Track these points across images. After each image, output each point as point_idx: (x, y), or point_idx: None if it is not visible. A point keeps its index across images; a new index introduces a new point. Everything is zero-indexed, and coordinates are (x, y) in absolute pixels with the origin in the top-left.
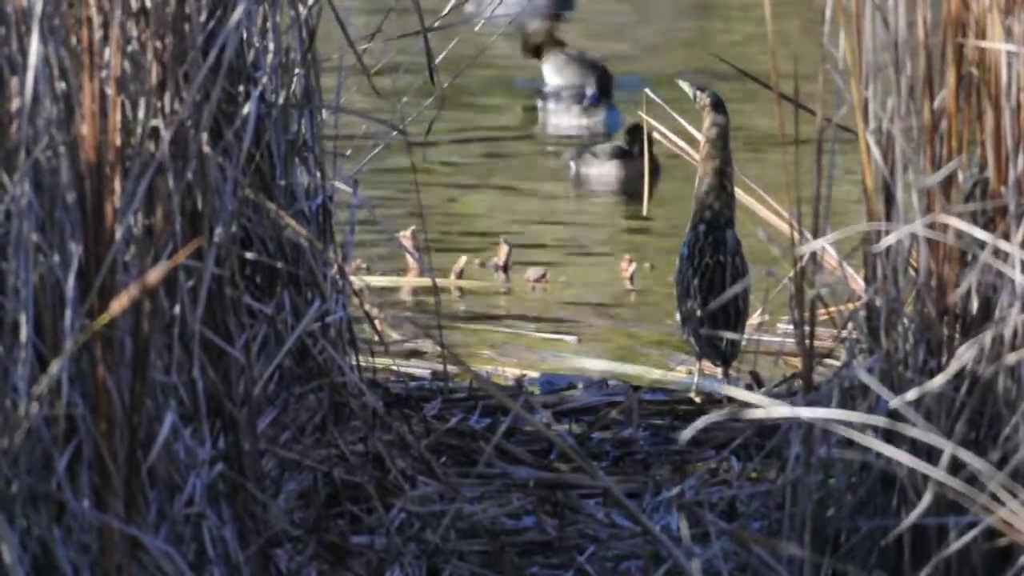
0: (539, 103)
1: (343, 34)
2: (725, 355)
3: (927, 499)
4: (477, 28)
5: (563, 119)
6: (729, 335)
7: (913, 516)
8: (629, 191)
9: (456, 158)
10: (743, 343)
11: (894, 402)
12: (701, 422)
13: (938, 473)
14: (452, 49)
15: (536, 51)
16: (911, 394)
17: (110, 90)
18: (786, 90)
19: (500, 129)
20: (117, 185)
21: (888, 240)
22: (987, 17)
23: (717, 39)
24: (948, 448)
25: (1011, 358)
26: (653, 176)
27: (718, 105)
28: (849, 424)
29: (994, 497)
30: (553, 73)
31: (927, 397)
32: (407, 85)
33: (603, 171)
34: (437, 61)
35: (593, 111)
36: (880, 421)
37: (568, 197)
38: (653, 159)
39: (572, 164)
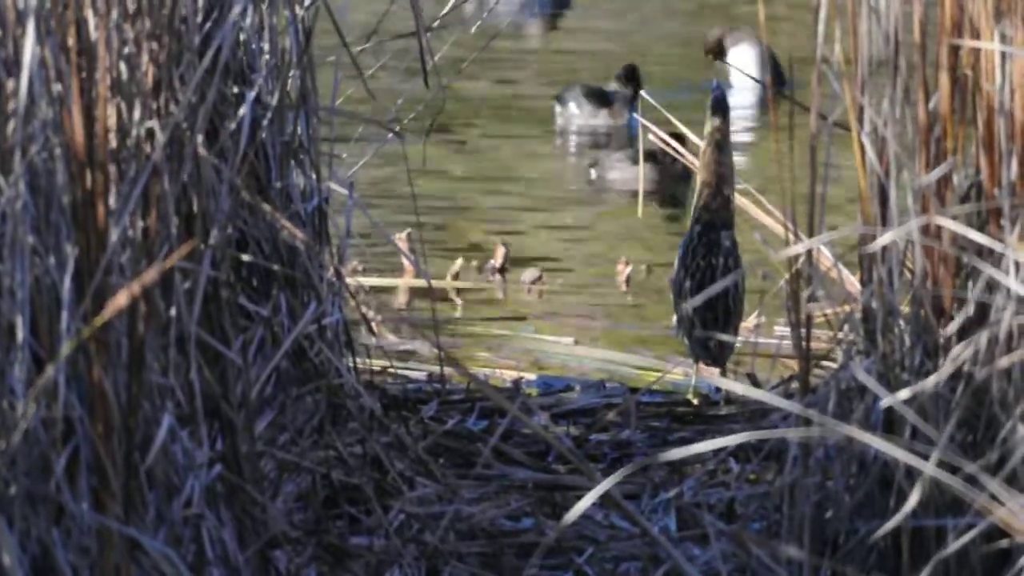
0: (556, 106)
1: (338, 35)
2: (715, 355)
3: (916, 495)
4: (473, 29)
5: (588, 120)
6: (722, 336)
7: (902, 514)
8: (647, 195)
9: (455, 159)
10: (736, 344)
11: (888, 400)
12: (622, 471)
13: (936, 471)
14: (456, 48)
15: (718, 51)
16: (905, 393)
17: (103, 91)
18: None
19: (510, 129)
20: (112, 187)
21: (882, 241)
22: (981, 20)
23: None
24: (939, 448)
25: (1004, 361)
26: (677, 181)
27: (718, 106)
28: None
29: (993, 497)
30: (746, 66)
31: (923, 398)
32: (404, 86)
33: (620, 175)
34: (436, 59)
35: (621, 112)
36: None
37: (572, 199)
38: (665, 165)
39: (593, 171)
